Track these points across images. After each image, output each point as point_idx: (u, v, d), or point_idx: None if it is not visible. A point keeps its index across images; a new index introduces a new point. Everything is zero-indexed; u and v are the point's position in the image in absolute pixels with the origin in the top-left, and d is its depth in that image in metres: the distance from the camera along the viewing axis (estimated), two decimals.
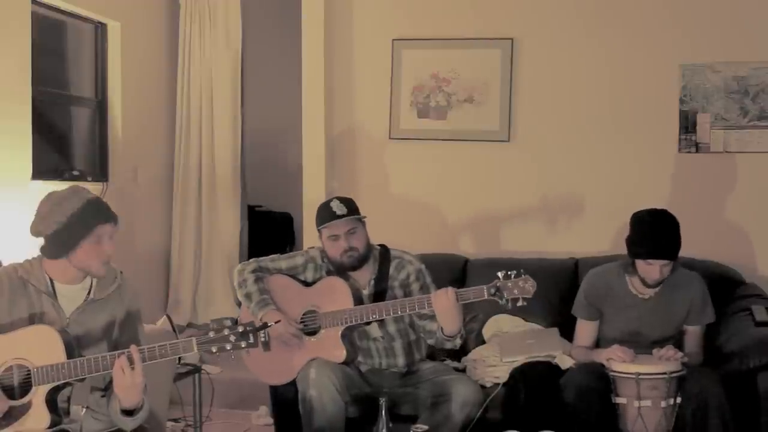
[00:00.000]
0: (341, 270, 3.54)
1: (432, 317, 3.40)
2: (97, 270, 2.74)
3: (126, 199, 5.27)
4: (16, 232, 4.14)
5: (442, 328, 3.35)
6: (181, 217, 5.77)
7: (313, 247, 3.70)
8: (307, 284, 3.60)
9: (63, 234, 2.67)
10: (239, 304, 3.76)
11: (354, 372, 3.53)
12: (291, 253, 3.74)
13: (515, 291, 3.19)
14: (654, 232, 3.47)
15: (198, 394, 4.24)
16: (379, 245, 3.66)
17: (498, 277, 3.21)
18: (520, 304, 3.20)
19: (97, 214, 2.71)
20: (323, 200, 4.92)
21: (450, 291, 3.25)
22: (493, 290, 3.20)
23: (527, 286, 3.19)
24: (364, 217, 3.56)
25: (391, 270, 3.58)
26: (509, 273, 3.21)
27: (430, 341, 3.55)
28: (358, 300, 3.47)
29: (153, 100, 5.69)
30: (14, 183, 4.33)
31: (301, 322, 3.50)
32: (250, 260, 3.70)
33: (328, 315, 3.44)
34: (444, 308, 3.26)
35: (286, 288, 3.60)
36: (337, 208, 3.49)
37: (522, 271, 3.22)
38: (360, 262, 3.52)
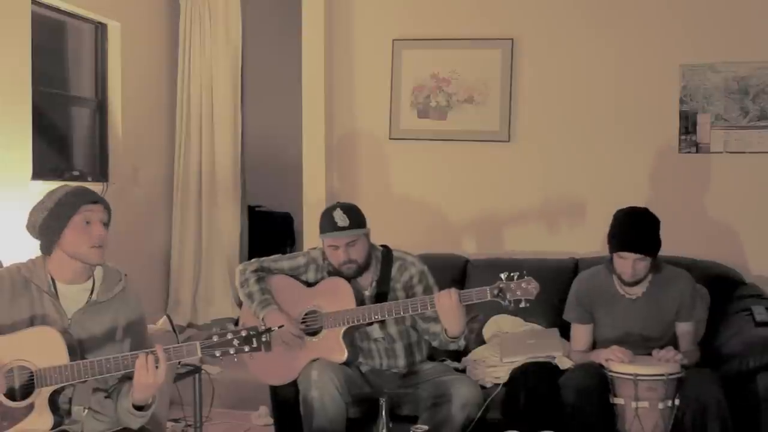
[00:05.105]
0: (342, 273, 3.53)
1: (435, 319, 3.40)
2: (86, 254, 2.67)
3: (126, 200, 5.27)
4: (16, 232, 4.14)
5: (445, 330, 3.35)
6: (181, 217, 5.76)
7: (315, 248, 3.68)
8: (309, 284, 3.60)
9: (52, 219, 2.66)
10: (239, 304, 3.76)
11: (355, 373, 3.53)
12: (293, 254, 3.74)
13: (518, 293, 3.18)
14: (626, 226, 3.51)
15: (198, 394, 4.24)
16: (381, 246, 3.65)
17: (501, 279, 3.21)
18: (522, 305, 3.20)
19: (83, 195, 2.70)
20: (323, 200, 5.00)
21: (453, 292, 3.24)
22: (496, 291, 3.20)
23: (530, 287, 3.18)
24: (367, 230, 3.53)
25: (394, 272, 3.57)
26: (512, 274, 3.20)
27: (434, 343, 3.54)
28: (360, 301, 3.47)
29: (153, 100, 5.69)
30: (14, 183, 4.33)
31: (303, 323, 3.50)
32: (252, 260, 3.69)
33: (330, 315, 3.43)
34: (447, 309, 3.25)
35: (287, 288, 3.59)
36: (340, 219, 3.45)
37: (524, 272, 3.21)
38: (358, 273, 3.50)
